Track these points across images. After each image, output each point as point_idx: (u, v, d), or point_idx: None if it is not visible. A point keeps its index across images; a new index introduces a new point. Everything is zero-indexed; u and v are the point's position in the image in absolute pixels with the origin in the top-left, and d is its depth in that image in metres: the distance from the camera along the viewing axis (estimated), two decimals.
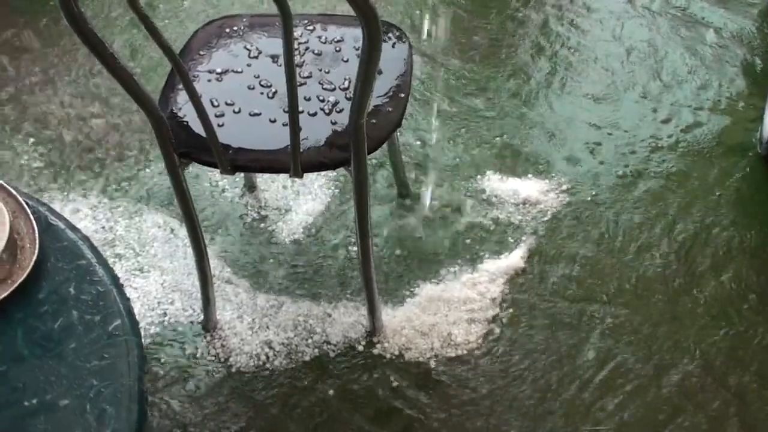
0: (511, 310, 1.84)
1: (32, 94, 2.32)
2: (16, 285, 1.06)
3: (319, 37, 1.60)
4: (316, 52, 1.57)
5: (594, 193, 2.07)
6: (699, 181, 2.09)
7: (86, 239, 1.13)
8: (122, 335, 1.01)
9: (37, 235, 1.11)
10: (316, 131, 1.44)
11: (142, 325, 1.80)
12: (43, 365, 1.00)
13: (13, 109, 2.28)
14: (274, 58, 1.56)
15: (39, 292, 1.07)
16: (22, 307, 1.06)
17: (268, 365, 1.74)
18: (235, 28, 1.63)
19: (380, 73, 1.51)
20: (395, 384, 1.71)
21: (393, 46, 1.60)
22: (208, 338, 1.78)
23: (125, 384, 0.96)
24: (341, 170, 1.49)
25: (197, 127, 1.42)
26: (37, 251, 1.09)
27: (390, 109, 1.50)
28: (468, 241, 1.97)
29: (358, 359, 1.75)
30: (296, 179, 2.05)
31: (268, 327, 1.80)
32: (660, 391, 1.70)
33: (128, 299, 1.07)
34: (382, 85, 1.51)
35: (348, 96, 1.48)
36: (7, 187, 1.18)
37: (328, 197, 2.06)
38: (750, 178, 2.10)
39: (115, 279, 1.09)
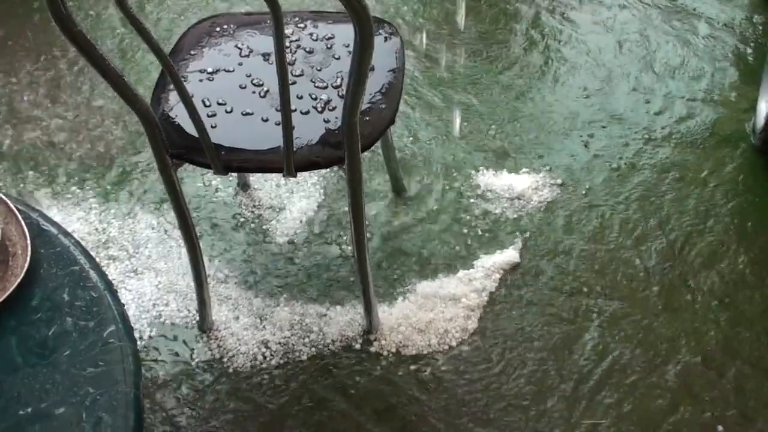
0: (507, 305, 1.83)
1: (21, 96, 2.31)
2: (8, 292, 1.05)
3: (311, 35, 1.59)
4: (307, 49, 1.56)
5: (588, 186, 2.06)
6: (693, 173, 2.09)
7: (79, 244, 1.12)
8: (117, 341, 1.00)
9: (29, 241, 1.10)
10: (308, 130, 1.43)
11: (137, 327, 1.79)
12: (38, 373, 0.99)
13: (1, 111, 2.26)
14: (265, 56, 1.55)
15: (32, 298, 1.06)
16: (15, 315, 1.05)
17: (264, 365, 1.73)
18: (226, 27, 1.61)
19: (372, 69, 1.50)
20: (393, 381, 1.71)
21: (385, 42, 1.59)
22: (204, 339, 1.78)
23: (121, 391, 0.95)
24: (335, 167, 1.48)
25: (189, 128, 1.41)
26: (29, 257, 1.08)
27: (383, 106, 1.49)
28: (463, 236, 1.96)
29: (356, 357, 1.75)
30: (290, 178, 2.04)
31: (264, 327, 1.79)
32: (658, 383, 1.70)
33: (122, 305, 1.06)
34: (374, 82, 1.50)
35: (340, 93, 1.47)
36: None
37: (322, 195, 2.05)
38: (744, 169, 2.10)
39: (108, 284, 1.07)
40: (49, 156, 2.15)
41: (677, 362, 1.73)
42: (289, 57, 1.54)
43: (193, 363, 1.74)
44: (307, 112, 1.46)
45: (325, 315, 1.81)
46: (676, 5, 2.55)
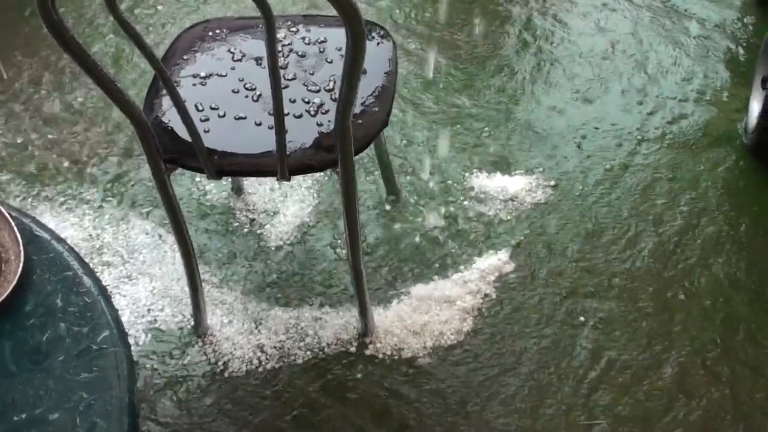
0: (502, 307, 1.83)
1: (14, 101, 2.30)
2: (2, 298, 1.05)
3: (303, 39, 1.59)
4: (299, 53, 1.56)
5: (581, 187, 2.07)
6: (686, 173, 2.10)
7: (72, 250, 1.12)
8: (111, 347, 1.00)
9: (22, 247, 1.10)
10: (302, 133, 1.43)
11: (131, 332, 1.79)
12: (32, 379, 0.98)
13: None
14: (257, 60, 1.55)
15: (26, 304, 1.06)
16: (8, 321, 1.04)
17: (260, 369, 1.73)
18: (218, 32, 1.62)
19: (365, 72, 1.50)
20: (389, 384, 1.71)
21: (377, 45, 1.59)
22: (200, 344, 1.77)
23: (115, 396, 0.95)
24: (328, 171, 1.48)
25: (182, 133, 1.41)
26: (22, 263, 1.08)
27: (376, 109, 1.49)
28: (458, 239, 1.96)
29: (351, 360, 1.74)
30: (283, 182, 2.04)
31: (259, 331, 1.79)
32: (653, 384, 1.70)
33: (116, 310, 1.06)
34: (367, 85, 1.50)
35: (333, 97, 1.48)
36: None
37: (316, 199, 2.05)
38: (736, 169, 2.11)
39: (102, 289, 1.07)
40: (41, 161, 2.14)
41: (672, 362, 1.73)
42: (281, 61, 1.54)
43: (188, 368, 1.74)
44: (300, 116, 1.46)
45: (320, 318, 1.81)
46: (668, 6, 2.56)
